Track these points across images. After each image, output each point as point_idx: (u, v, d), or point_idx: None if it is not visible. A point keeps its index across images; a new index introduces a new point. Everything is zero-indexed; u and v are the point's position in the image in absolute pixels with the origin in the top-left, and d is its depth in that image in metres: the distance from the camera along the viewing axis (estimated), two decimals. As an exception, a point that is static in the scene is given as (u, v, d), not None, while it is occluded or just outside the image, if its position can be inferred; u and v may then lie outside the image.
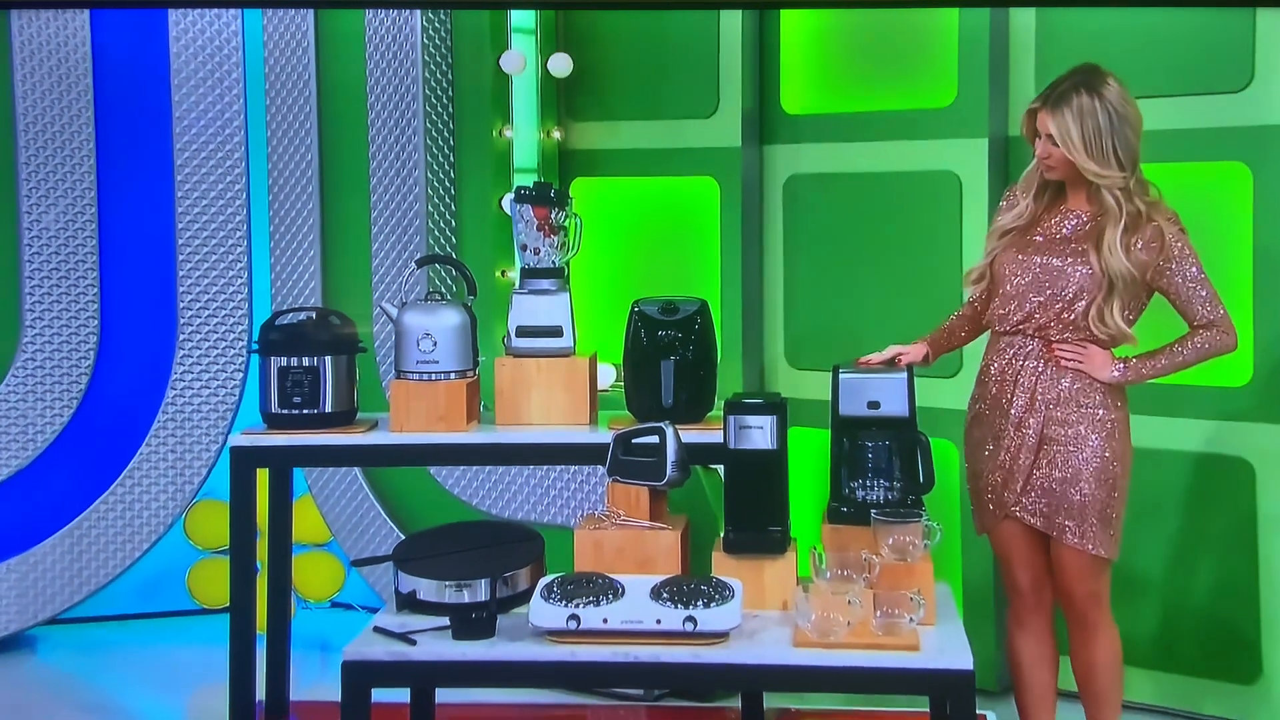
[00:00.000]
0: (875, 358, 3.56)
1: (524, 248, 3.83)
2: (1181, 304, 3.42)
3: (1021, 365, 3.46)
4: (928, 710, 3.29)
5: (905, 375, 3.35)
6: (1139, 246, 3.37)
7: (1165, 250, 3.38)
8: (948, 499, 4.44)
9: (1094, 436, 3.42)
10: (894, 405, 3.32)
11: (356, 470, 5.15)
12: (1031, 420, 3.44)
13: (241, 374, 5.36)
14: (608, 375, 4.63)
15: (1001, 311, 3.50)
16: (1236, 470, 4.18)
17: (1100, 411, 3.42)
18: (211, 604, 5.47)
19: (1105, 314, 3.38)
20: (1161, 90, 4.12)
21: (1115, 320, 3.38)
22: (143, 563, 5.35)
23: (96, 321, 5.24)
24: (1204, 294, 3.40)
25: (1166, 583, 4.27)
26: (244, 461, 3.69)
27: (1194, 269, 3.40)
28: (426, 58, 4.93)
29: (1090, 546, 3.42)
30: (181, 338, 5.32)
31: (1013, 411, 3.46)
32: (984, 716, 4.23)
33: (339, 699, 4.47)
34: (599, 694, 4.43)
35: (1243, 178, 4.10)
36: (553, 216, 3.77)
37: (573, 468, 4.68)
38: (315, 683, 4.61)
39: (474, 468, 4.85)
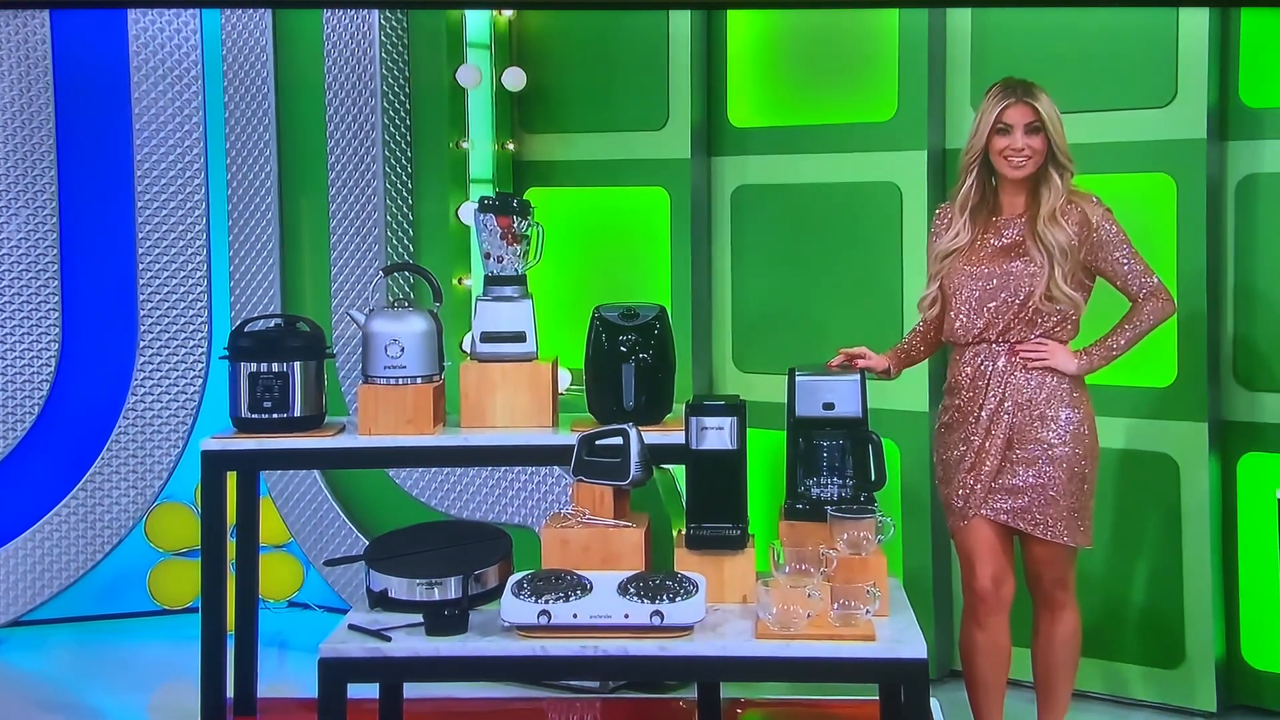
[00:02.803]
0: (841, 358, 3.60)
1: (487, 256, 3.83)
2: (1121, 281, 3.52)
3: (991, 371, 3.52)
4: (876, 698, 3.33)
5: (858, 378, 3.40)
6: (1066, 224, 3.45)
7: (1094, 231, 3.47)
8: (890, 495, 4.50)
9: (1064, 433, 3.49)
10: (847, 406, 3.36)
11: (315, 472, 5.12)
12: (1001, 422, 3.50)
13: (202, 379, 5.31)
14: (564, 379, 4.63)
15: (961, 325, 3.55)
16: (1161, 466, 4.26)
17: (1067, 410, 3.50)
18: (172, 605, 5.41)
19: (1052, 288, 3.44)
20: (1090, 105, 4.20)
21: (1063, 290, 3.44)
22: (104, 565, 5.29)
23: (58, 328, 5.17)
24: (1139, 268, 3.51)
25: (1096, 573, 4.35)
26: (215, 465, 3.65)
27: (1125, 246, 3.51)
28: (385, 70, 4.91)
29: (1065, 538, 3.49)
30: (142, 344, 5.26)
31: (984, 415, 3.51)
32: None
33: (299, 696, 4.49)
34: (554, 686, 4.44)
35: (1167, 189, 4.19)
36: (515, 225, 3.78)
37: (529, 469, 4.68)
38: (274, 680, 4.58)
39: (432, 469, 4.84)
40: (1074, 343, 3.56)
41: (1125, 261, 3.50)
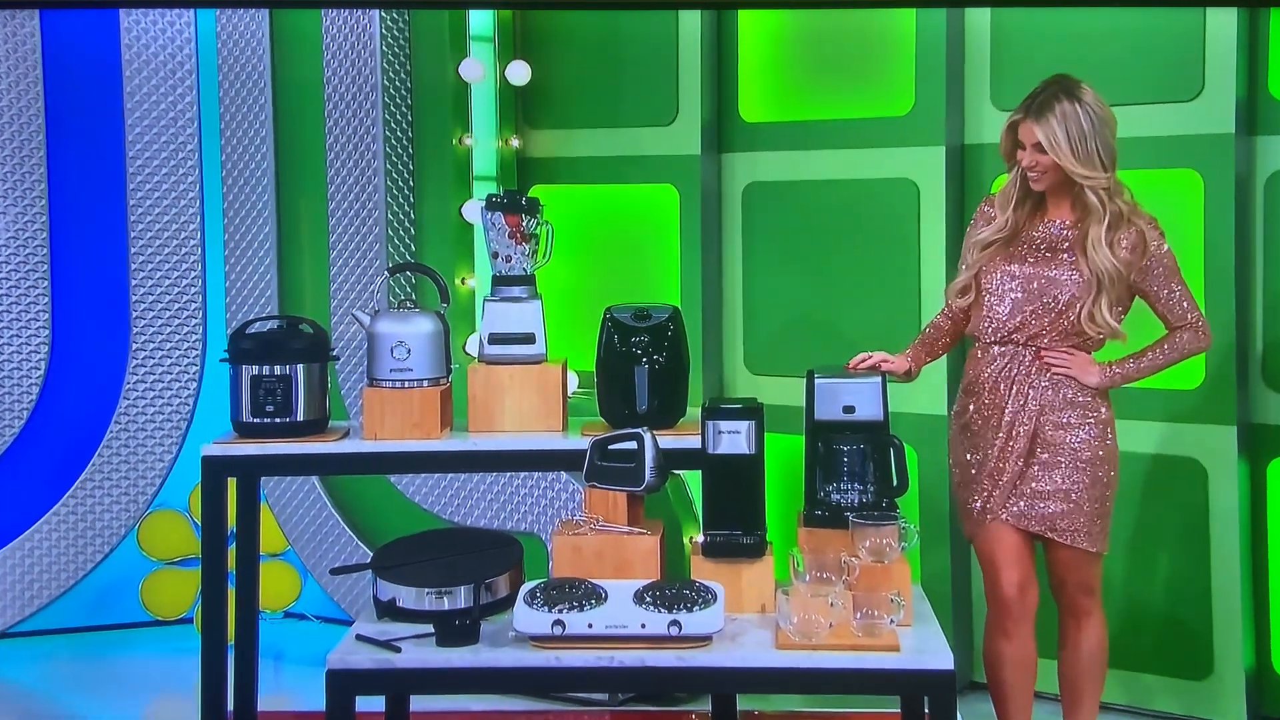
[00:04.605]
0: (859, 362, 3.60)
1: (495, 255, 3.83)
2: (1161, 307, 3.52)
3: (1016, 372, 3.52)
4: (895, 710, 3.33)
5: (879, 380, 3.40)
6: (1123, 245, 3.46)
7: (1147, 254, 3.47)
8: (908, 501, 4.49)
9: (1088, 438, 3.50)
10: (868, 410, 3.36)
11: (314, 478, 5.12)
12: (1023, 426, 3.51)
13: (196, 382, 5.32)
14: (571, 382, 4.63)
15: (992, 322, 3.55)
16: (1188, 470, 4.27)
17: (1092, 414, 3.51)
18: (166, 615, 5.41)
19: (1096, 313, 3.45)
20: (1115, 100, 4.12)
21: (1106, 318, 3.45)
22: (95, 574, 5.29)
23: (48, 330, 5.17)
24: (1185, 301, 3.52)
25: (1122, 581, 4.35)
26: (217, 471, 3.64)
27: (1175, 276, 3.51)
28: (386, 65, 4.92)
29: (1085, 544, 3.51)
30: (134, 347, 5.26)
31: (1005, 418, 3.52)
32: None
33: (298, 709, 4.48)
34: (561, 698, 4.44)
35: (1194, 185, 4.20)
36: (524, 224, 3.78)
37: (534, 474, 4.69)
38: (271, 693, 4.58)
39: (434, 474, 4.84)
40: (1099, 354, 3.57)
41: (1171, 290, 3.51)
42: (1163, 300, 3.51)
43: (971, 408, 3.60)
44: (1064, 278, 3.48)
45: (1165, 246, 3.50)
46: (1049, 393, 3.51)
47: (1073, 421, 3.50)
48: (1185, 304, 3.52)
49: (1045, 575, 3.63)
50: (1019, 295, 3.51)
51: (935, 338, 3.77)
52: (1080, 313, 3.46)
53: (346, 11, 4.90)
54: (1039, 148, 3.44)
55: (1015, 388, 3.52)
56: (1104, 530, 3.55)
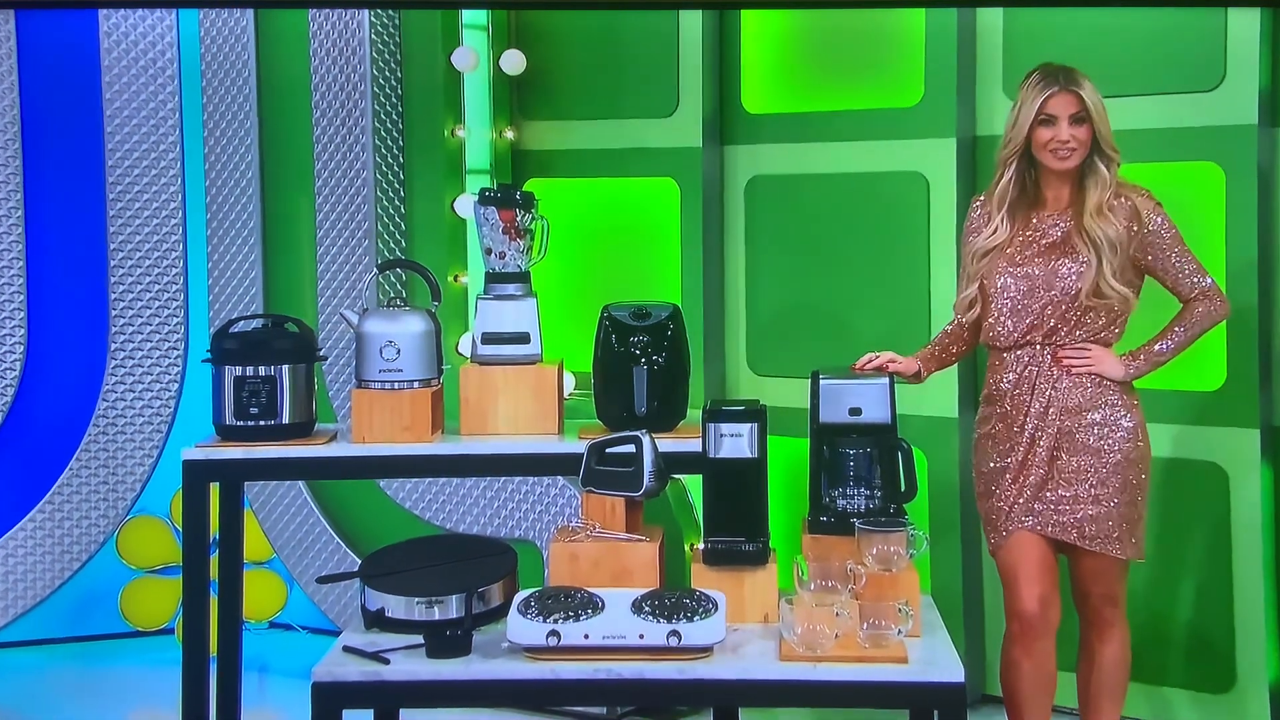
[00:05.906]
0: (866, 362, 3.60)
1: (489, 252, 3.84)
2: (1171, 279, 3.54)
3: (1037, 376, 3.52)
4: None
5: (887, 381, 3.41)
6: (1119, 214, 3.48)
7: (1143, 225, 3.49)
8: (917, 507, 4.49)
9: (1117, 440, 3.50)
10: (875, 412, 3.37)
11: (300, 483, 5.12)
12: (1047, 430, 3.50)
13: (178, 384, 5.32)
14: (567, 383, 4.64)
15: (1004, 327, 3.55)
16: (1209, 475, 4.27)
17: (1119, 414, 3.51)
18: (146, 626, 5.42)
19: (1101, 284, 3.46)
20: (1133, 90, 4.21)
21: (1112, 285, 3.46)
22: (73, 583, 5.30)
23: (24, 329, 5.18)
24: (1191, 267, 3.54)
25: (1141, 590, 4.34)
26: (198, 476, 3.65)
27: (1177, 243, 3.53)
28: (375, 55, 4.93)
29: (1116, 551, 3.50)
30: (114, 347, 5.27)
31: (1028, 423, 3.52)
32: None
33: (283, 723, 4.50)
34: (554, 712, 4.45)
35: (1215, 178, 4.20)
36: (519, 219, 3.79)
37: (529, 479, 4.69)
38: (255, 706, 4.59)
39: (425, 479, 4.85)
40: (1119, 346, 3.58)
41: (1176, 259, 3.52)
42: (1171, 273, 3.53)
43: (994, 415, 3.59)
44: (1065, 268, 3.48)
45: (1163, 217, 3.52)
46: (1072, 393, 3.51)
47: (1099, 422, 3.50)
48: (1195, 273, 3.54)
49: (1067, 585, 3.62)
50: (1029, 295, 3.51)
51: (947, 345, 3.76)
52: (1088, 290, 3.45)
53: (335, 9, 4.91)
54: (1076, 119, 3.45)
55: (1037, 391, 3.52)
56: (1137, 537, 3.54)
